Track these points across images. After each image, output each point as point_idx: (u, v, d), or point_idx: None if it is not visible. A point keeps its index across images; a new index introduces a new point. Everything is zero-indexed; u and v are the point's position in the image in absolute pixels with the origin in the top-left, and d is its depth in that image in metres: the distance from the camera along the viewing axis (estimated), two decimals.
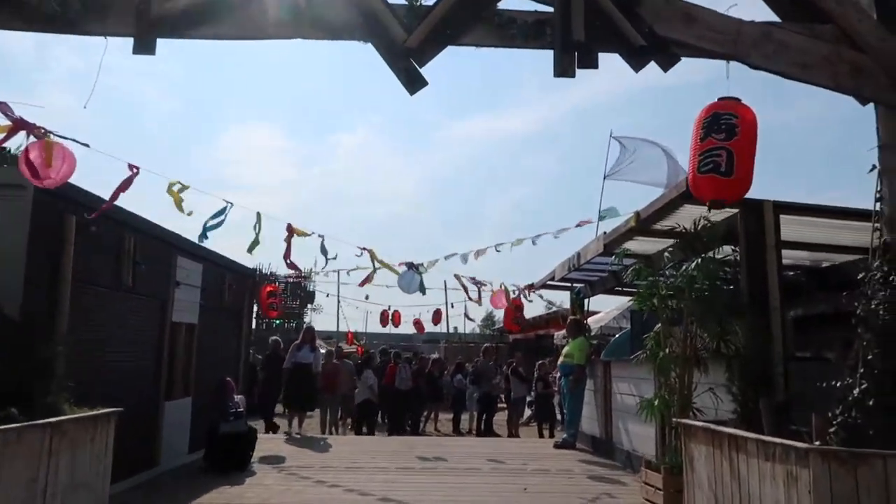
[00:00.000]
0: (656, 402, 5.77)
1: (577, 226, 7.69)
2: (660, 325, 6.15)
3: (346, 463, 8.31)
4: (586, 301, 11.46)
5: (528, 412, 15.32)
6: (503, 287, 11.12)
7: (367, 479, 7.42)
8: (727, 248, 5.87)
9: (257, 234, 7.18)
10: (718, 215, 5.83)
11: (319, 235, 8.03)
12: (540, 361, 15.30)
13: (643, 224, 6.52)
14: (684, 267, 5.62)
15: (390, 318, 19.57)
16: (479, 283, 10.53)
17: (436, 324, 18.96)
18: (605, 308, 22.07)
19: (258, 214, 6.88)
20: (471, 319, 18.27)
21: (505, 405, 15.54)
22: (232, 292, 9.96)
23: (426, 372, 15.76)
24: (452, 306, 17.20)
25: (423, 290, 9.78)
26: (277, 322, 30.48)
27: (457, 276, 10.45)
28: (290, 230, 7.37)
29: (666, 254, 5.93)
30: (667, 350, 5.77)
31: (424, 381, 15.54)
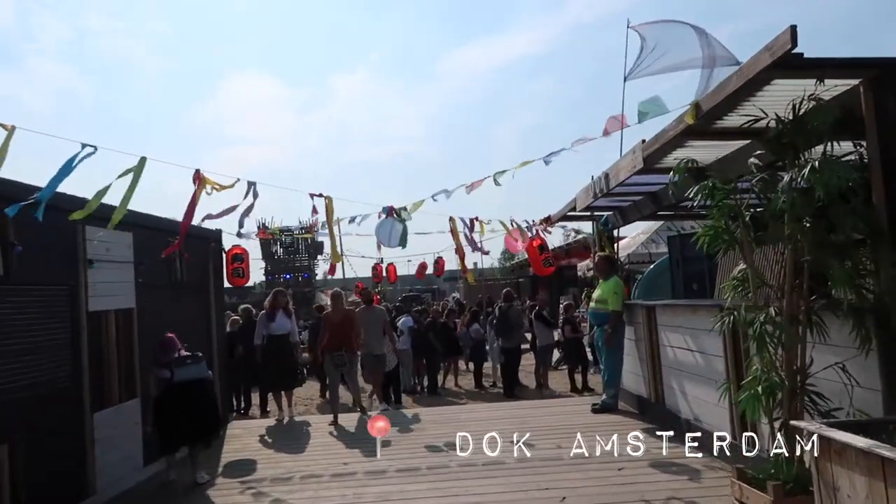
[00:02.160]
0: (757, 388, 3.71)
1: (605, 134, 5.53)
2: (743, 267, 4.11)
3: (335, 466, 6.51)
4: (615, 232, 9.39)
5: (556, 354, 13.52)
6: (515, 225, 9.04)
7: (358, 491, 5.65)
8: (845, 146, 3.77)
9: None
10: (827, 92, 3.71)
11: (250, 183, 6.00)
12: (567, 302, 13.38)
13: (703, 121, 4.40)
14: (786, 178, 3.52)
15: (384, 272, 17.70)
16: (472, 223, 8.42)
17: (419, 278, 17.09)
18: (629, 232, 19.94)
19: (141, 160, 4.83)
20: (485, 253, 16.43)
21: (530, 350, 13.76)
22: (187, 263, 8.05)
23: (440, 324, 13.95)
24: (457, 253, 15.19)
25: (403, 242, 7.75)
26: (288, 276, 28.92)
27: (451, 220, 8.37)
28: (198, 179, 5.35)
29: (752, 160, 3.81)
30: (766, 311, 3.71)
31: (437, 334, 13.75)
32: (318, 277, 30.50)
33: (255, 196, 5.96)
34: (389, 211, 7.29)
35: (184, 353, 6.48)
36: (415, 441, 7.25)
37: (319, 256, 29.35)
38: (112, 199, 5.18)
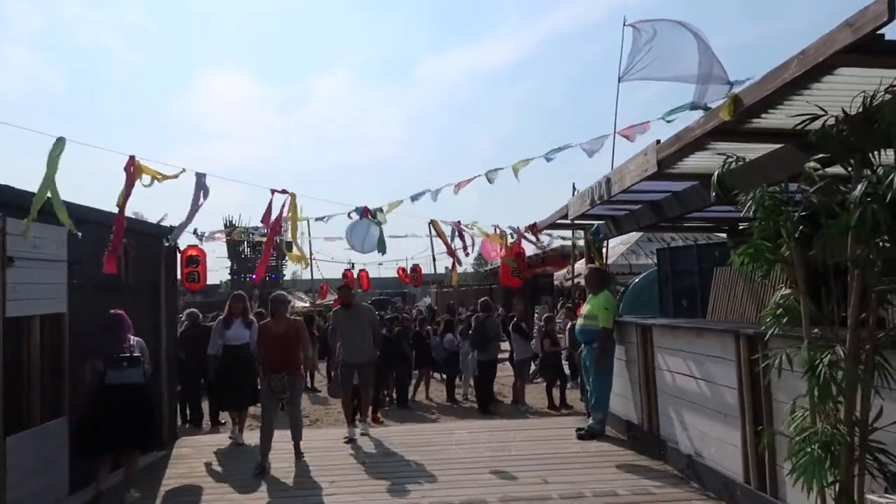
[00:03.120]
0: (816, 449, 2.96)
1: (626, 134, 4.78)
2: (787, 291, 3.40)
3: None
4: (605, 243, 8.70)
5: (532, 366, 12.79)
6: (497, 231, 8.29)
7: None
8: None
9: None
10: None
11: (198, 175, 5.16)
12: (547, 314, 12.67)
13: (739, 118, 3.68)
14: (860, 188, 2.80)
15: (356, 279, 16.81)
16: (460, 227, 7.67)
17: (406, 282, 16.24)
18: (609, 242, 19.29)
19: (58, 140, 3.96)
20: (459, 263, 15.85)
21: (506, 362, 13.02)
22: (133, 261, 7.14)
23: (414, 332, 13.13)
24: (434, 260, 14.32)
25: (382, 247, 6.94)
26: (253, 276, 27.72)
27: (433, 223, 7.60)
28: (132, 166, 4.50)
29: (811, 164, 3.08)
30: (832, 350, 2.97)
31: (409, 344, 12.93)
32: (286, 278, 29.46)
33: (205, 190, 5.11)
34: (364, 212, 6.49)
35: (131, 339, 6.04)
36: (382, 471, 6.43)
37: (287, 257, 28.32)
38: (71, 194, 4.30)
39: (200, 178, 5.07)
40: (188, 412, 10.99)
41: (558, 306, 19.44)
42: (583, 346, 7.68)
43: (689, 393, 5.85)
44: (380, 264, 25.41)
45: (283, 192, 5.87)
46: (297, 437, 6.99)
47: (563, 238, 15.42)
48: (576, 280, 17.42)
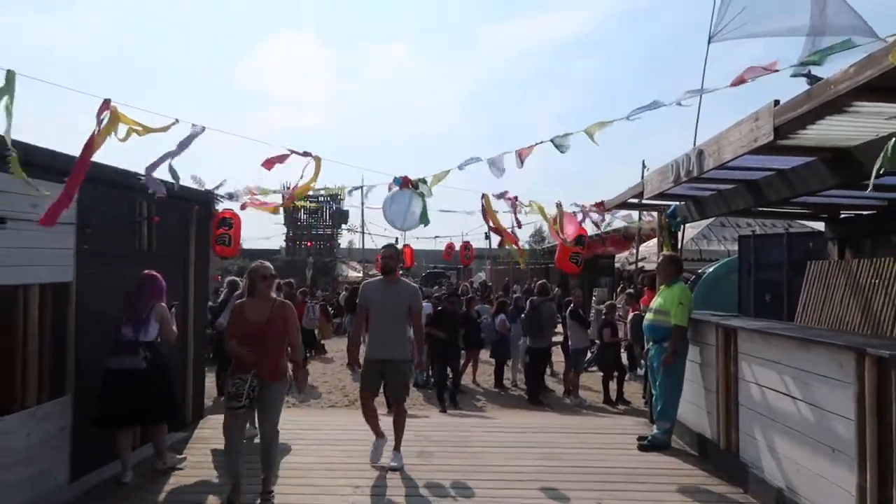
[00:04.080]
0: None
1: (742, 81, 3.68)
2: None
3: None
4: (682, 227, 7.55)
5: (588, 354, 11.77)
6: (559, 209, 7.28)
7: None
8: None
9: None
10: None
11: (195, 126, 4.32)
12: (608, 302, 11.61)
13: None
14: None
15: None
16: (514, 203, 6.70)
17: (447, 259, 15.22)
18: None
19: (7, 73, 3.17)
20: (515, 243, 15.03)
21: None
22: (158, 227, 6.47)
23: (462, 314, 12.23)
24: (487, 237, 13.28)
25: (425, 219, 5.97)
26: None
27: (484, 197, 6.62)
28: (105, 110, 3.70)
29: None
30: None
31: (459, 324, 12.05)
32: (341, 247, 29.03)
33: (189, 138, 4.25)
34: (404, 182, 5.59)
35: (159, 309, 5.57)
36: (412, 477, 5.61)
37: (344, 226, 27.79)
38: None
39: (197, 129, 4.25)
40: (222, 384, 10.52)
41: (618, 290, 18.26)
42: (650, 343, 6.64)
43: (782, 414, 4.78)
44: (435, 237, 24.51)
45: (306, 154, 5.05)
46: (267, 466, 4.92)
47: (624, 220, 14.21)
48: (639, 264, 16.26)
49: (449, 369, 10.24)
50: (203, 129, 4.28)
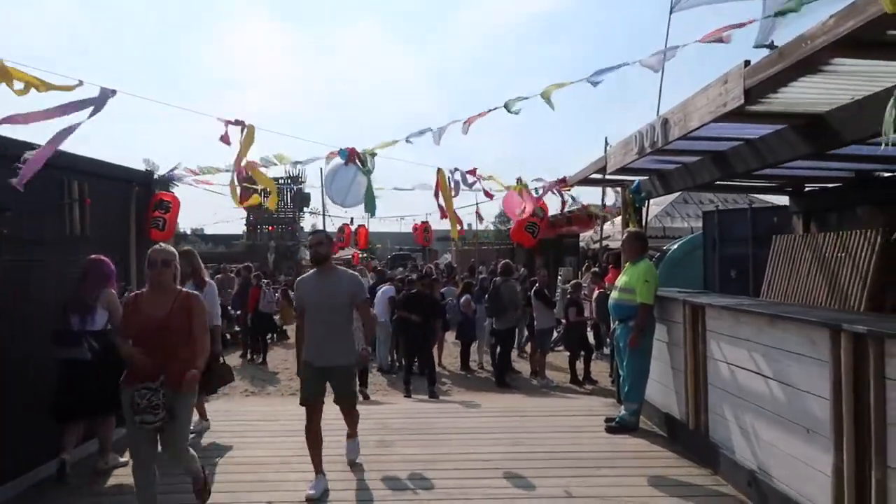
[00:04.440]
0: None
1: (719, 37, 3.38)
2: None
3: None
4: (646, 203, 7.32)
5: (554, 334, 11.58)
6: (521, 184, 6.98)
7: None
8: None
9: None
10: None
11: (104, 90, 3.88)
12: (574, 281, 11.41)
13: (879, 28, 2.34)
14: None
15: (353, 235, 15.40)
16: (472, 175, 6.35)
17: (419, 243, 14.82)
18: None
19: None
20: (481, 218, 14.69)
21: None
22: (93, 210, 5.99)
23: (429, 297, 11.88)
24: (442, 216, 12.92)
25: (370, 203, 5.53)
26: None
27: (439, 172, 6.28)
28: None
29: None
30: None
31: (435, 308, 11.66)
32: (305, 230, 28.39)
33: (97, 106, 3.81)
34: (350, 155, 5.18)
35: (106, 296, 5.23)
36: (371, 469, 5.31)
37: (305, 209, 27.17)
38: None
39: (106, 92, 3.81)
40: None
41: (583, 269, 18.14)
42: (616, 323, 6.42)
43: (753, 394, 4.59)
44: (401, 218, 24.08)
45: (237, 122, 4.65)
46: (197, 481, 4.30)
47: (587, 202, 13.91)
48: (603, 242, 16.12)
49: (418, 358, 9.87)
50: (114, 92, 3.84)
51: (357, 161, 5.17)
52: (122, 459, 5.43)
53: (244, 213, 25.79)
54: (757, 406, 4.56)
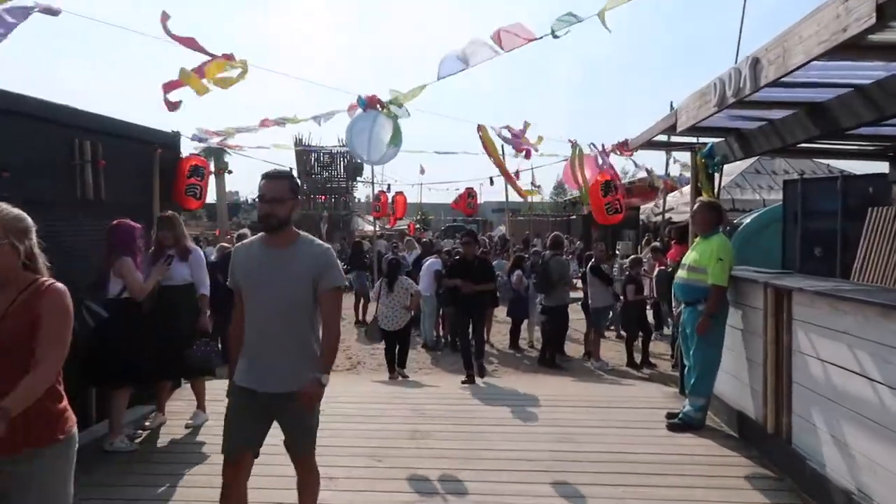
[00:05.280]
0: None
1: None
2: None
3: None
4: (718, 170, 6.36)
5: (610, 313, 10.73)
6: (576, 150, 6.16)
7: None
8: None
9: None
10: None
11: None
12: (633, 256, 10.51)
13: None
14: None
15: (390, 203, 14.39)
16: (517, 137, 5.58)
17: (455, 207, 13.87)
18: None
19: None
20: (536, 186, 13.66)
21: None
22: (109, 173, 5.53)
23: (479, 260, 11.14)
24: (491, 182, 12.00)
25: (396, 139, 4.62)
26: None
27: (481, 130, 5.49)
28: None
29: None
30: None
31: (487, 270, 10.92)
32: (359, 200, 28.03)
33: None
34: (370, 102, 4.46)
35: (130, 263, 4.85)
36: (390, 470, 4.70)
37: (359, 178, 26.73)
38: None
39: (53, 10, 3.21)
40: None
41: (642, 243, 17.10)
42: (682, 306, 5.59)
43: (852, 398, 3.75)
44: (453, 188, 23.23)
45: (228, 57, 4.00)
46: None
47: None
48: (666, 215, 15.04)
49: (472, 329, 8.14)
50: (59, 11, 3.24)
51: (380, 107, 4.46)
52: (127, 443, 4.97)
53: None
54: (857, 414, 3.72)
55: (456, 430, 5.43)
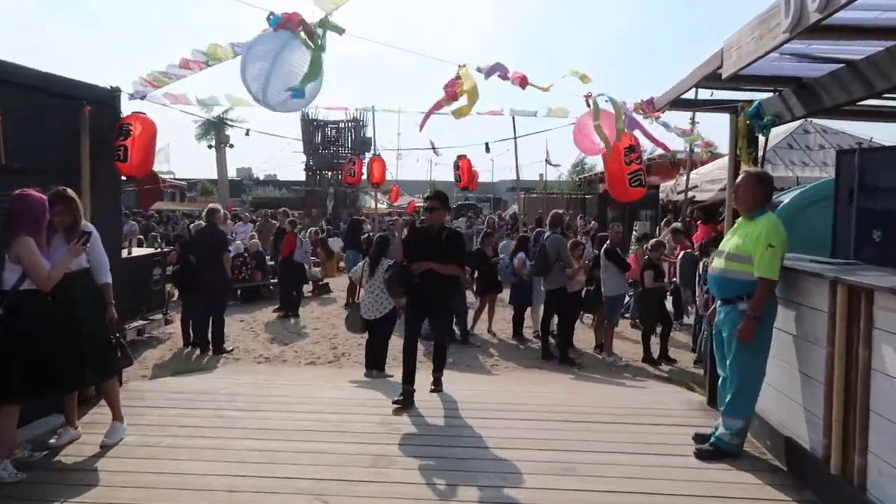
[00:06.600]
0: None
1: None
2: None
3: None
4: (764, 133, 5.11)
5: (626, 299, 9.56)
6: (592, 105, 4.93)
7: None
8: None
9: None
10: None
11: None
12: (655, 240, 9.26)
13: None
14: None
15: (365, 170, 12.57)
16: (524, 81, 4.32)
17: (462, 185, 12.33)
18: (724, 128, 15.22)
19: None
20: (554, 165, 12.37)
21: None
22: (19, 132, 4.42)
23: (475, 252, 10.12)
24: (487, 150, 10.67)
25: (315, 72, 3.38)
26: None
27: (462, 67, 4.22)
28: None
29: None
30: None
31: (474, 263, 9.93)
32: (364, 177, 26.76)
33: None
34: (285, 21, 3.24)
35: None
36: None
37: (367, 153, 25.44)
38: None
39: None
40: (191, 332, 8.75)
41: (661, 224, 15.78)
42: (719, 303, 4.39)
43: None
44: (436, 153, 21.49)
45: None
46: None
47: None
48: (689, 193, 13.72)
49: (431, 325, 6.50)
50: None
51: (299, 30, 3.25)
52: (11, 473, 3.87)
53: (304, 158, 24.40)
54: None
55: (430, 454, 4.29)
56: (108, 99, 5.61)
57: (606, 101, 5.03)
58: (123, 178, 6.33)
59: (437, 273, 5.34)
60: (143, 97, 5.45)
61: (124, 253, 9.04)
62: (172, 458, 4.13)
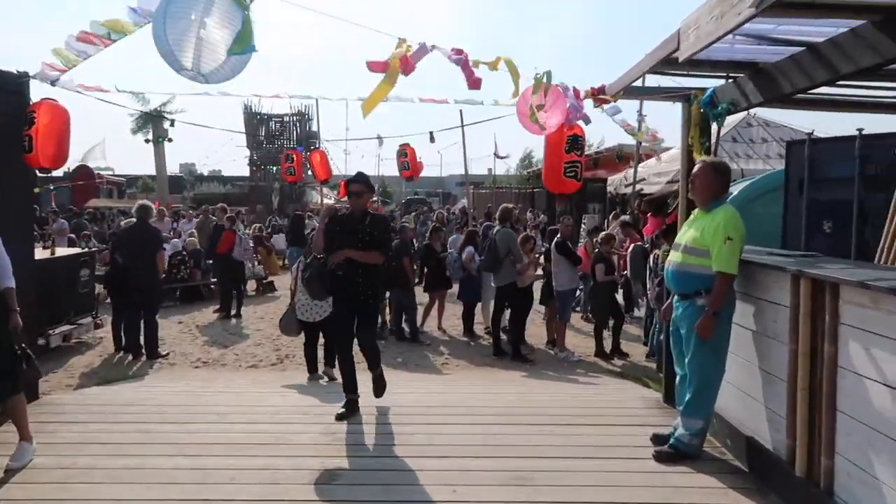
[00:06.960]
0: None
1: None
2: None
3: None
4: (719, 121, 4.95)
5: (577, 292, 9.40)
6: (542, 84, 4.67)
7: None
8: None
9: None
10: None
11: None
12: (605, 233, 9.11)
13: None
14: None
15: (303, 164, 12.09)
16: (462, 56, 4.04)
17: (405, 173, 11.88)
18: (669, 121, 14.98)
19: None
20: (501, 157, 12.20)
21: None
22: None
23: (422, 247, 9.84)
24: (432, 140, 10.29)
25: (245, 38, 3.09)
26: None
27: (402, 42, 3.90)
28: None
29: None
30: None
31: (417, 260, 9.68)
32: (309, 172, 26.12)
33: None
34: None
35: None
36: None
37: (313, 147, 24.80)
38: None
39: None
40: (122, 336, 8.16)
41: (609, 217, 15.79)
42: (675, 298, 4.19)
43: None
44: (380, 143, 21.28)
45: None
46: None
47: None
48: (636, 186, 13.72)
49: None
50: None
51: None
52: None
53: (247, 153, 23.57)
54: None
55: (375, 467, 3.96)
56: (14, 85, 5.04)
57: (559, 85, 4.77)
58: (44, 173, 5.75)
59: (360, 263, 4.72)
60: (53, 82, 4.90)
61: (47, 253, 8.43)
62: (86, 482, 3.70)
